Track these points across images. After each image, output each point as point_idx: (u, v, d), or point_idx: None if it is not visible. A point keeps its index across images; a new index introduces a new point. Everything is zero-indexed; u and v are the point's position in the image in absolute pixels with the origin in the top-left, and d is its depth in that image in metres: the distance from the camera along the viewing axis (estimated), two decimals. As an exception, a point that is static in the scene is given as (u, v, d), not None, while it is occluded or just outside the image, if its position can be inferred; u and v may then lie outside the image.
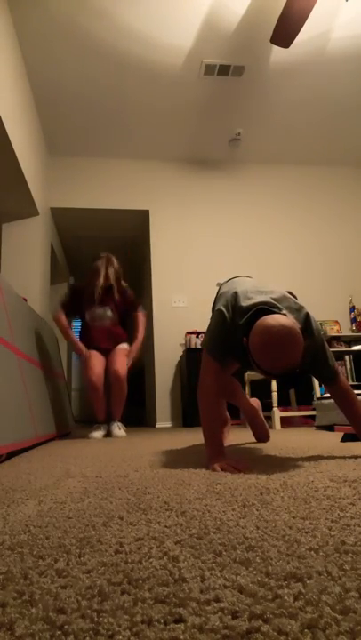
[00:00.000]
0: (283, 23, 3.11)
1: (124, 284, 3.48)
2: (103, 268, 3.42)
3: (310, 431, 2.97)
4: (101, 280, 3.39)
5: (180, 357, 4.90)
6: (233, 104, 4.54)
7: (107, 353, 3.39)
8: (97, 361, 3.28)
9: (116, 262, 3.48)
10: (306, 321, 1.37)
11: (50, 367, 3.04)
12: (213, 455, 1.25)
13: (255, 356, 1.19)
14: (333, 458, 1.34)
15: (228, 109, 4.62)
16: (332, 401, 2.86)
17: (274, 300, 1.36)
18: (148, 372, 5.50)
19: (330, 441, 1.99)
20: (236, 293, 1.42)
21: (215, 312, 1.46)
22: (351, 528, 0.58)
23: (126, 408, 3.20)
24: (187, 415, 4.52)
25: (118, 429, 3.30)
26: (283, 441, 2.10)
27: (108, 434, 3.27)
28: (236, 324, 1.35)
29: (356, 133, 5.12)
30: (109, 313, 3.42)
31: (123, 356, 3.36)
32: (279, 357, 1.15)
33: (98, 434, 3.20)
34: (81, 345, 3.29)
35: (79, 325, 3.50)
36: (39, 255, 4.39)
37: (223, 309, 1.40)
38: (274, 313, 1.24)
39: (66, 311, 3.40)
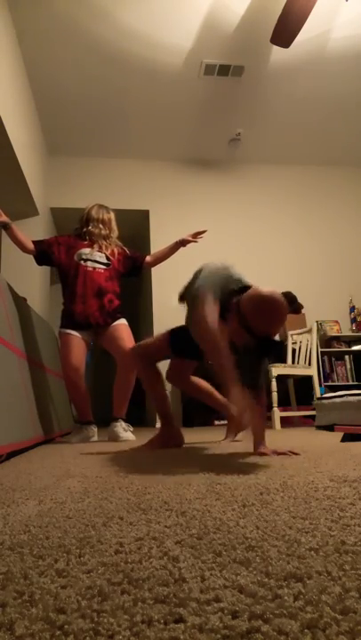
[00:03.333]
0: (283, 23, 3.11)
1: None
2: (98, 210, 2.88)
3: (310, 431, 2.96)
4: (97, 222, 2.81)
5: (180, 357, 4.90)
6: (233, 104, 4.54)
7: (90, 327, 2.70)
8: (75, 347, 2.67)
9: (112, 213, 2.94)
10: None
11: (49, 367, 3.03)
12: (232, 379, 1.27)
13: (248, 313, 1.32)
14: (333, 458, 1.34)
15: (228, 109, 4.62)
16: (332, 401, 2.86)
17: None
18: (148, 371, 5.49)
19: (330, 441, 1.99)
20: (226, 267, 1.57)
21: (210, 265, 1.55)
22: (351, 528, 0.58)
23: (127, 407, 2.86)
24: (187, 415, 4.52)
25: (124, 430, 2.68)
26: (283, 441, 2.10)
27: (114, 436, 2.67)
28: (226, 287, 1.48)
29: (356, 133, 5.12)
30: (104, 259, 2.78)
31: (129, 332, 2.75)
32: (272, 317, 1.33)
33: (80, 437, 2.65)
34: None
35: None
36: (39, 255, 4.39)
37: (219, 265, 1.54)
38: None
39: (38, 247, 2.71)
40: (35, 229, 4.42)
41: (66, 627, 0.34)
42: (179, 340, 1.84)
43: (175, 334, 1.86)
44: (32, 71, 3.95)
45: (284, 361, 3.86)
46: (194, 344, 1.62)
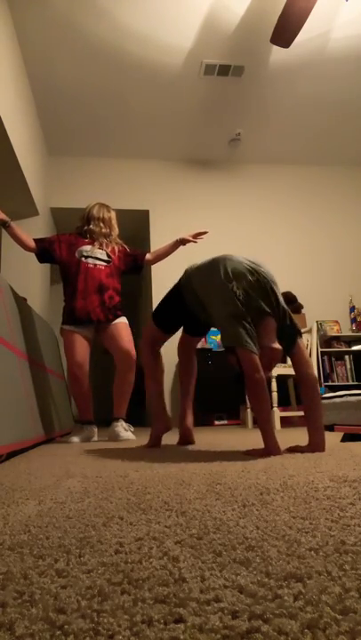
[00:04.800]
0: (283, 23, 3.12)
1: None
2: (99, 209, 2.90)
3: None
4: (98, 221, 2.84)
5: (180, 357, 4.89)
6: (233, 104, 4.54)
7: (91, 323, 2.72)
8: (78, 343, 2.70)
9: (113, 212, 2.97)
10: None
11: (50, 367, 3.03)
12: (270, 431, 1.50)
13: None
14: (333, 458, 1.34)
15: (228, 109, 4.62)
16: (331, 401, 2.86)
17: None
18: (148, 372, 5.49)
19: (330, 441, 1.99)
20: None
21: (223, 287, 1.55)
22: (351, 528, 0.58)
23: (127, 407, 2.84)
24: (187, 415, 4.51)
25: (124, 430, 2.69)
26: (283, 441, 2.09)
27: (114, 436, 2.66)
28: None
29: (356, 133, 5.12)
30: (105, 257, 2.81)
31: (129, 332, 2.78)
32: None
33: (80, 437, 2.64)
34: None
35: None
36: (39, 255, 4.39)
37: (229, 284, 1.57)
38: None
39: (39, 244, 2.73)
40: (35, 229, 4.41)
41: (66, 627, 0.34)
42: (166, 323, 1.94)
43: (159, 319, 1.95)
44: (32, 71, 3.95)
45: (284, 361, 3.86)
46: (180, 316, 1.90)
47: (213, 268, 1.65)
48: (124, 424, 2.73)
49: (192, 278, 1.77)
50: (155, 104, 4.47)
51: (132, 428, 2.85)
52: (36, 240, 2.76)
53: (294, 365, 1.65)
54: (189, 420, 2.06)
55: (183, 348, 2.08)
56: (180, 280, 1.87)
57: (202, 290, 1.70)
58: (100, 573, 0.45)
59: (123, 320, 2.82)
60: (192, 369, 2.09)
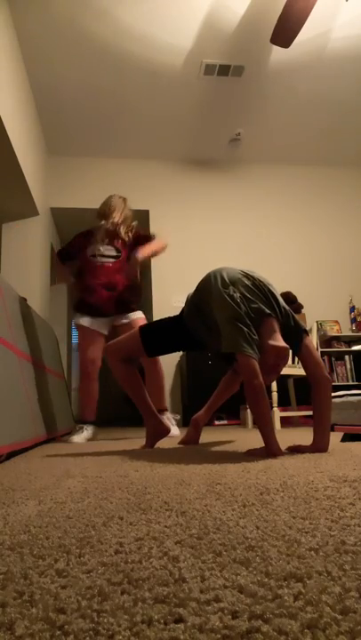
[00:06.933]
0: (283, 23, 3.11)
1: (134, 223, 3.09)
2: (103, 206, 3.04)
3: (310, 431, 2.96)
4: (116, 218, 2.96)
5: (180, 357, 4.90)
6: (233, 104, 4.54)
7: (103, 314, 2.82)
8: (93, 342, 2.76)
9: (119, 200, 3.08)
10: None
11: (50, 367, 3.03)
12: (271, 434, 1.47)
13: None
14: (333, 458, 1.34)
15: (228, 109, 4.62)
16: (332, 401, 2.85)
17: None
18: (148, 371, 5.49)
19: (330, 441, 1.99)
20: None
21: (227, 300, 1.52)
22: (351, 528, 0.58)
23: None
24: (187, 415, 4.52)
25: (172, 425, 2.70)
26: (283, 441, 2.10)
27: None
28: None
29: (357, 133, 5.12)
30: (114, 252, 2.93)
31: None
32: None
33: (81, 437, 2.62)
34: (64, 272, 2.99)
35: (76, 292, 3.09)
36: (39, 255, 4.39)
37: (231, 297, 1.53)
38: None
39: (62, 256, 3.06)
40: (35, 229, 4.41)
41: (66, 627, 0.34)
42: (153, 343, 1.88)
43: (147, 336, 1.88)
44: (32, 71, 3.95)
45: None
46: (172, 343, 1.87)
47: (210, 279, 1.67)
48: (169, 415, 2.75)
49: (193, 299, 1.79)
50: (155, 104, 4.47)
51: (178, 417, 2.98)
52: (59, 258, 3.07)
53: (305, 367, 1.62)
54: (202, 422, 2.08)
55: (231, 381, 2.13)
56: (182, 310, 1.88)
57: (203, 302, 1.70)
58: (100, 573, 0.45)
59: (139, 315, 2.92)
60: (231, 387, 2.12)
